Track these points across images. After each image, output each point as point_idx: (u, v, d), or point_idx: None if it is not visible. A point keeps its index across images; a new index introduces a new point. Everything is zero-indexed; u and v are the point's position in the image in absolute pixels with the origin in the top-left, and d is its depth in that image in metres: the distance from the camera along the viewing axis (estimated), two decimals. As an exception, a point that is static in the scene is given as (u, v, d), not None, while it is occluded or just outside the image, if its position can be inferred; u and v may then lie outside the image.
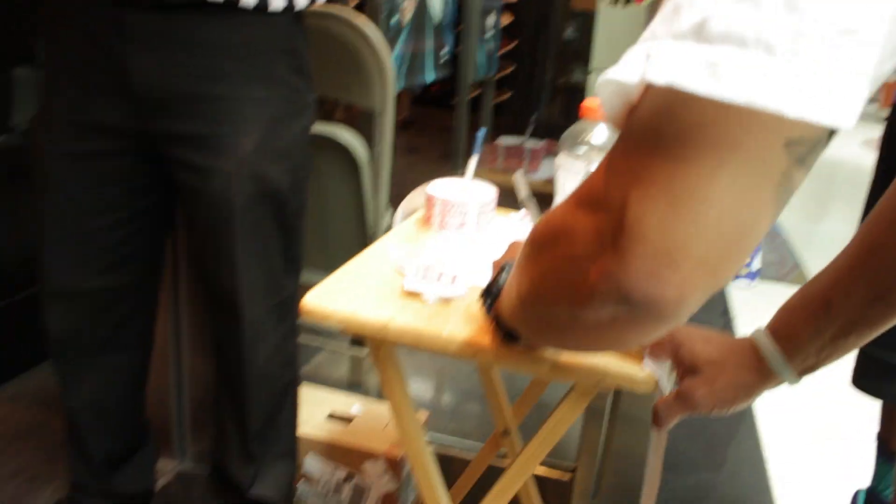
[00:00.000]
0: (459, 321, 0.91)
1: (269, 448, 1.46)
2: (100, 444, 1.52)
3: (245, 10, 1.18)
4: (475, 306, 0.95)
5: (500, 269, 0.81)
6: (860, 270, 0.74)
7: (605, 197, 0.46)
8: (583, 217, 0.48)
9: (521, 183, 0.95)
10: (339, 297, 0.95)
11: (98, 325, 1.42)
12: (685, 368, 0.81)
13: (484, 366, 1.40)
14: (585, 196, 0.50)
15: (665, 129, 0.42)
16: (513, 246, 0.88)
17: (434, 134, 5.78)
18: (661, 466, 0.83)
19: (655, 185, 0.43)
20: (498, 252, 0.91)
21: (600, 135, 1.17)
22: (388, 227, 1.89)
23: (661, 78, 0.41)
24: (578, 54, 4.41)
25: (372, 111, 1.76)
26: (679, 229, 0.43)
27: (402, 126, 6.23)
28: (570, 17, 5.14)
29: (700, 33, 0.40)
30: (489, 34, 3.35)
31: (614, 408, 1.58)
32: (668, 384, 0.86)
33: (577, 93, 4.27)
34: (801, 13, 0.37)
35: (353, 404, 1.75)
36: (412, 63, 2.67)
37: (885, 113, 1.70)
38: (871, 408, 1.72)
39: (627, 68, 0.44)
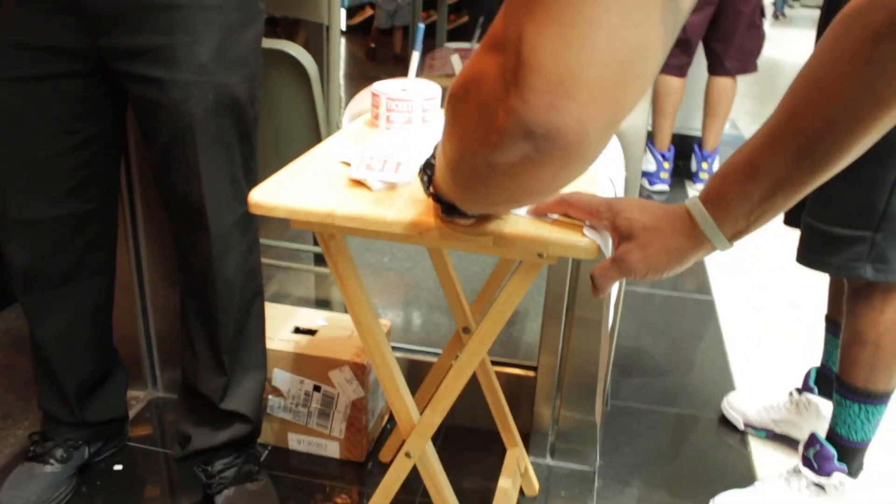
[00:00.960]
0: (405, 206, 0.93)
1: (239, 360, 1.48)
2: (70, 373, 1.53)
3: None
4: (419, 194, 0.97)
5: (435, 146, 0.82)
6: (785, 131, 0.76)
7: (503, 36, 0.47)
8: (488, 60, 0.49)
9: (458, 64, 0.96)
10: (285, 191, 0.96)
11: (62, 253, 1.42)
12: (622, 235, 0.83)
13: (440, 263, 1.43)
14: (489, 40, 0.50)
15: None
16: None
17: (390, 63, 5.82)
18: (610, 332, 0.86)
19: (546, 14, 0.44)
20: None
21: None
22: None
23: None
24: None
25: (321, 24, 1.74)
26: (571, 56, 0.44)
27: (367, 55, 6.19)
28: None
29: None
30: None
31: (570, 310, 1.62)
32: (606, 251, 0.88)
33: None
34: None
35: (316, 318, 1.77)
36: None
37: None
38: (823, 288, 1.79)
39: None
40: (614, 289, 0.90)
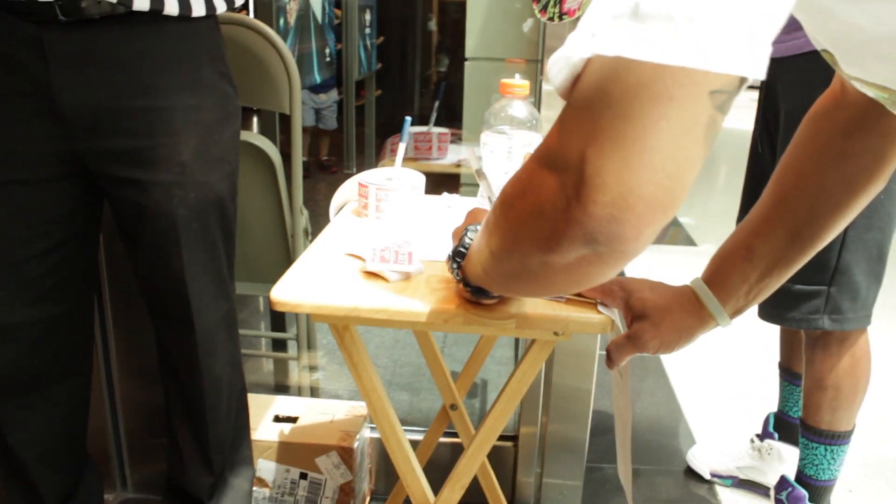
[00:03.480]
0: (424, 294, 0.97)
1: (227, 458, 1.46)
2: (46, 480, 1.48)
3: (168, 18, 1.17)
4: (434, 280, 1.01)
5: (463, 232, 0.87)
6: (776, 217, 0.86)
7: (563, 156, 0.53)
8: (545, 175, 0.55)
9: (473, 157, 1.02)
10: (305, 288, 0.99)
11: (35, 357, 1.38)
12: (635, 314, 0.90)
13: (426, 344, 1.46)
14: (544, 157, 0.57)
15: (612, 92, 0.50)
16: (472, 212, 0.94)
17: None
18: (629, 402, 0.92)
19: (609, 140, 0.50)
20: (457, 221, 0.96)
21: (519, 110, 1.24)
22: (305, 229, 1.92)
23: (609, 51, 0.49)
24: (450, 43, 4.51)
25: (283, 114, 1.79)
26: (632, 176, 0.50)
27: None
28: (438, 6, 5.25)
29: (636, 13, 0.48)
30: (367, 30, 3.39)
31: (548, 378, 1.67)
32: (621, 327, 0.94)
33: (457, 81, 4.36)
34: None
35: (294, 405, 1.77)
36: (300, 64, 2.69)
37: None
38: (773, 338, 1.89)
39: (577, 46, 0.52)
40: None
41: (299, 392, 2.34)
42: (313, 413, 1.73)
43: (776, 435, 1.90)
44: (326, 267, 1.06)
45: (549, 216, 0.55)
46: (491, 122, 1.25)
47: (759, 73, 0.49)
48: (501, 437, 1.81)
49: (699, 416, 2.34)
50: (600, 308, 0.95)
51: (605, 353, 0.92)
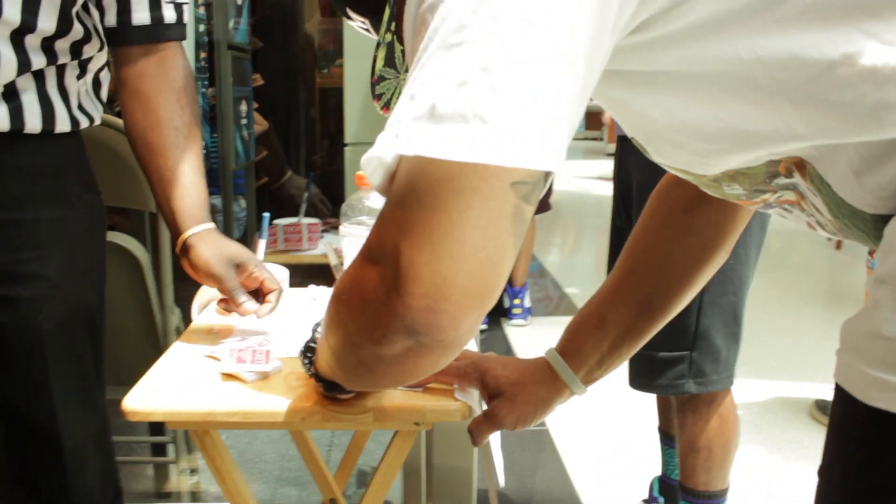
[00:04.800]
0: (282, 393, 0.96)
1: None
2: None
3: (30, 136, 1.14)
4: (292, 378, 1.00)
5: (313, 328, 0.87)
6: (625, 288, 0.90)
7: (381, 249, 0.55)
8: (368, 269, 0.57)
9: (330, 252, 1.03)
10: (159, 394, 0.96)
11: None
12: (490, 392, 0.92)
13: (301, 440, 1.44)
14: (366, 252, 0.59)
15: (419, 187, 0.53)
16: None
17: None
18: (494, 471, 0.93)
19: (419, 233, 0.53)
20: (315, 318, 0.97)
21: (377, 200, 1.27)
22: (178, 328, 1.88)
23: (410, 151, 0.52)
24: (330, 130, 4.56)
25: (149, 212, 1.76)
26: (443, 266, 0.52)
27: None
28: (317, 95, 5.32)
29: (433, 115, 0.51)
30: (243, 121, 3.40)
31: (429, 460, 1.66)
32: (479, 408, 0.96)
33: (336, 168, 4.40)
34: (501, 92, 0.50)
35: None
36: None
37: (612, 148, 1.96)
38: (651, 406, 1.95)
39: (383, 147, 0.54)
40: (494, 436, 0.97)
41: (180, 497, 2.24)
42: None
43: (661, 499, 1.94)
44: (184, 370, 1.04)
45: (372, 309, 0.57)
46: (349, 214, 1.27)
47: (554, 165, 0.52)
48: (390, 527, 1.78)
49: (589, 486, 2.36)
50: (457, 394, 0.96)
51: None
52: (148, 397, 0.95)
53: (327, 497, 1.49)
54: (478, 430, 0.92)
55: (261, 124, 4.03)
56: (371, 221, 1.26)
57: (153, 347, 1.85)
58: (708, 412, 1.59)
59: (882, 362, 0.54)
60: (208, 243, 1.17)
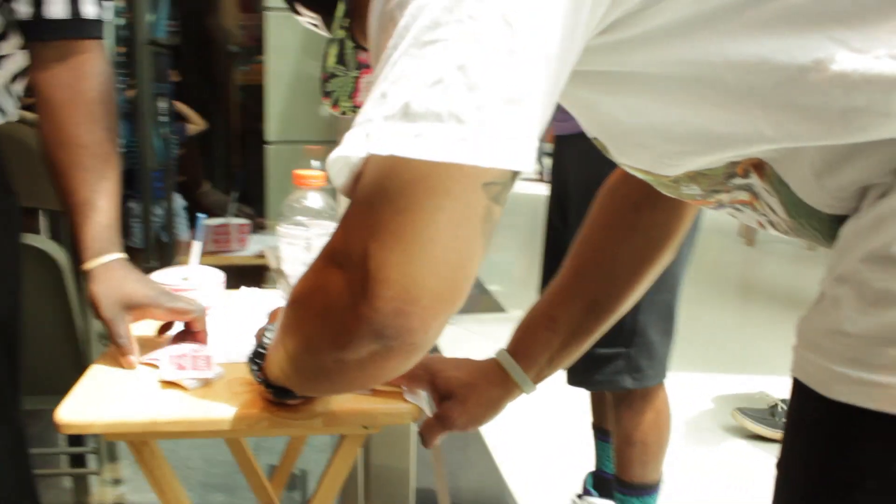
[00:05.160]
0: (225, 399, 0.93)
1: None
2: None
3: None
4: (236, 384, 0.97)
5: (261, 333, 0.84)
6: (574, 288, 0.90)
7: (347, 252, 0.54)
8: (331, 273, 0.55)
9: (272, 256, 1.00)
10: (95, 405, 0.91)
11: None
12: (441, 394, 0.91)
13: (237, 448, 1.40)
14: (330, 255, 0.57)
15: (389, 188, 0.51)
16: (274, 312, 0.92)
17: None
18: (445, 473, 0.92)
19: (389, 234, 0.51)
20: (257, 322, 0.94)
21: (315, 200, 1.24)
22: (100, 333, 1.81)
23: (382, 150, 0.50)
24: (251, 129, 4.46)
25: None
26: (414, 269, 0.52)
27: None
28: (238, 92, 5.20)
29: (406, 114, 0.50)
30: (162, 119, 3.30)
31: (366, 459, 1.64)
32: (429, 409, 0.95)
33: (256, 167, 4.31)
34: (478, 91, 0.49)
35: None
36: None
37: (549, 147, 1.97)
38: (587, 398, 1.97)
39: (352, 146, 0.53)
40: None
41: (104, 509, 2.15)
42: (120, 532, 1.60)
43: (595, 493, 1.97)
44: (119, 379, 0.99)
45: (337, 313, 0.55)
46: (287, 214, 1.24)
47: (527, 166, 0.51)
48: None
49: (522, 482, 2.38)
50: (406, 395, 0.95)
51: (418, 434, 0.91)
52: (82, 409, 0.90)
53: (264, 503, 1.45)
54: (429, 432, 0.91)
55: (197, 124, 3.92)
56: (310, 222, 1.23)
57: (73, 355, 1.77)
58: (643, 406, 1.61)
59: (844, 358, 0.56)
60: (103, 282, 1.06)
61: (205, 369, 0.97)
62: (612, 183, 0.91)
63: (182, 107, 3.85)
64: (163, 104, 3.34)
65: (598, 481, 1.97)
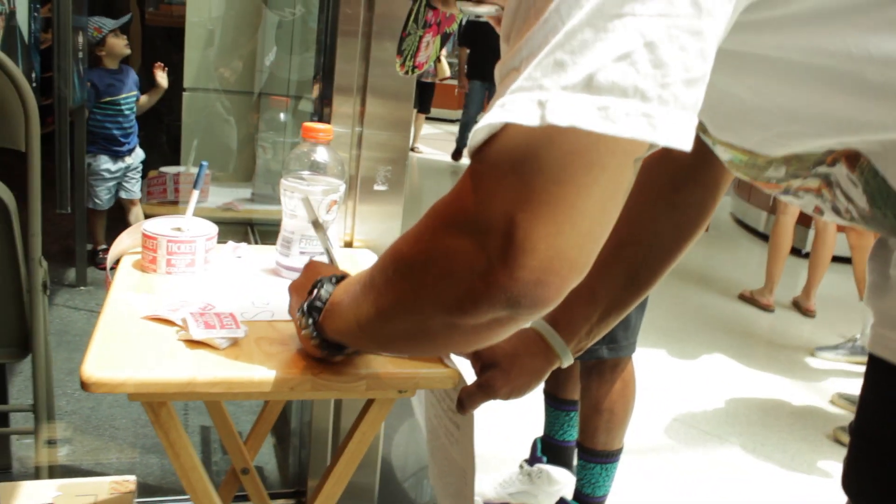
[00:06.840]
0: (260, 360, 0.88)
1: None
2: None
3: None
4: (265, 343, 0.92)
5: (316, 285, 0.79)
6: (613, 262, 0.91)
7: (484, 220, 0.52)
8: (456, 238, 0.54)
9: (309, 206, 0.95)
10: (119, 362, 0.85)
11: None
12: (484, 362, 0.89)
13: (215, 410, 1.34)
14: (455, 219, 0.55)
15: (544, 157, 0.50)
16: (311, 266, 0.87)
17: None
18: (474, 441, 0.90)
19: (542, 205, 0.50)
20: (254, 273, 0.88)
21: (324, 155, 1.19)
22: (44, 283, 1.69)
23: (563, 121, 0.48)
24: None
25: (19, 151, 1.55)
26: (562, 240, 0.51)
27: None
28: (146, 34, 4.93)
29: (589, 85, 0.48)
30: (80, 55, 3.07)
31: (336, 423, 1.61)
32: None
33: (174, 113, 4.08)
34: (663, 70, 0.48)
35: (42, 490, 1.53)
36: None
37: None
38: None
39: (521, 113, 0.49)
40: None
41: (42, 474, 2.02)
42: (69, 497, 1.50)
43: (545, 458, 2.00)
44: (133, 336, 0.92)
45: (464, 279, 0.54)
46: (291, 167, 1.18)
47: (689, 145, 0.50)
48: (285, 495, 1.71)
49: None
50: (445, 360, 0.93)
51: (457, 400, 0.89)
52: (114, 368, 0.83)
53: (239, 467, 1.40)
54: (469, 399, 0.89)
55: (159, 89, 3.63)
56: (315, 177, 1.18)
57: (15, 304, 1.64)
58: (612, 376, 1.64)
59: None
60: None
61: (233, 327, 0.92)
62: (651, 157, 0.91)
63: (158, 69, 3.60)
64: (80, 39, 3.11)
65: (548, 447, 2.00)
